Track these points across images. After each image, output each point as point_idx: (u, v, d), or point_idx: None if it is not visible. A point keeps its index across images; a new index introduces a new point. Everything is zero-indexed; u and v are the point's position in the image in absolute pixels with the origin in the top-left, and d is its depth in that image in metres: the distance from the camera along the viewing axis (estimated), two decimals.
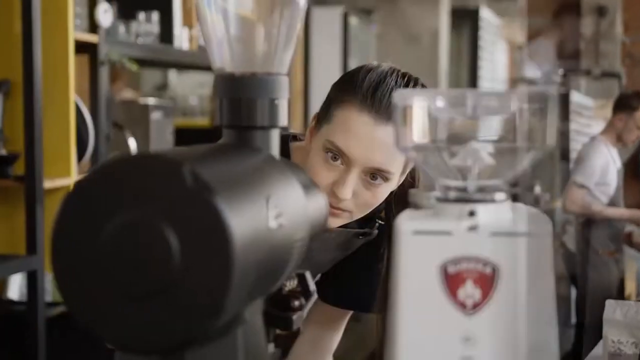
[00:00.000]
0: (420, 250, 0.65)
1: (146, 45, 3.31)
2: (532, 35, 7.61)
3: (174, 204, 0.58)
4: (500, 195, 0.67)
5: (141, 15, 3.32)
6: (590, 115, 6.75)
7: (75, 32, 2.73)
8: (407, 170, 1.34)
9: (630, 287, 4.78)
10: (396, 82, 1.26)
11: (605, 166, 4.64)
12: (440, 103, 0.67)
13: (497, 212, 0.66)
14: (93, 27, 2.85)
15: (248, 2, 0.78)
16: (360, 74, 1.26)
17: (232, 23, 0.76)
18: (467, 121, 0.68)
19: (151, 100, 3.49)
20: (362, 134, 1.24)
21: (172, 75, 5.50)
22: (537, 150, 0.66)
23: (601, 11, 8.82)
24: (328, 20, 5.66)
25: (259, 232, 0.63)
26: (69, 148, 2.67)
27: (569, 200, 4.59)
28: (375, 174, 1.26)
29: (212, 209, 0.58)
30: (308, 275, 0.83)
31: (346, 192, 1.25)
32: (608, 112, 6.81)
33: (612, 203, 4.68)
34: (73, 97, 2.67)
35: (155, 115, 3.33)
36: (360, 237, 1.42)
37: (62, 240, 0.61)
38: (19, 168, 2.55)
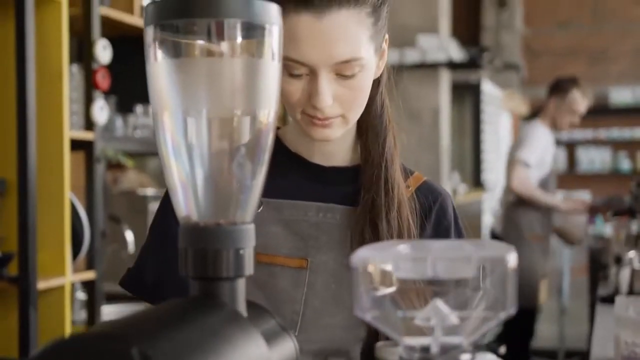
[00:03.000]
0: None
1: (143, 138, 3.32)
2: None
3: None
4: (465, 357, 0.65)
5: (139, 108, 3.34)
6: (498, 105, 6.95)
7: (72, 131, 2.74)
8: (384, 46, 1.24)
9: (543, 290, 4.65)
10: None
11: (545, 147, 4.62)
12: (400, 264, 0.65)
13: None
14: (89, 123, 2.87)
15: (213, 148, 0.77)
16: None
17: (197, 172, 0.75)
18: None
19: (150, 191, 3.49)
20: (309, 35, 1.13)
21: None
22: (500, 314, 0.65)
23: (501, 2, 8.82)
24: None
25: None
26: (64, 247, 2.65)
27: (515, 180, 4.46)
28: (344, 69, 1.15)
29: None
30: None
31: (324, 99, 1.15)
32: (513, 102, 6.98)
33: (543, 185, 4.62)
34: (68, 195, 2.67)
35: (154, 206, 3.32)
36: None
37: None
38: (12, 268, 2.53)
